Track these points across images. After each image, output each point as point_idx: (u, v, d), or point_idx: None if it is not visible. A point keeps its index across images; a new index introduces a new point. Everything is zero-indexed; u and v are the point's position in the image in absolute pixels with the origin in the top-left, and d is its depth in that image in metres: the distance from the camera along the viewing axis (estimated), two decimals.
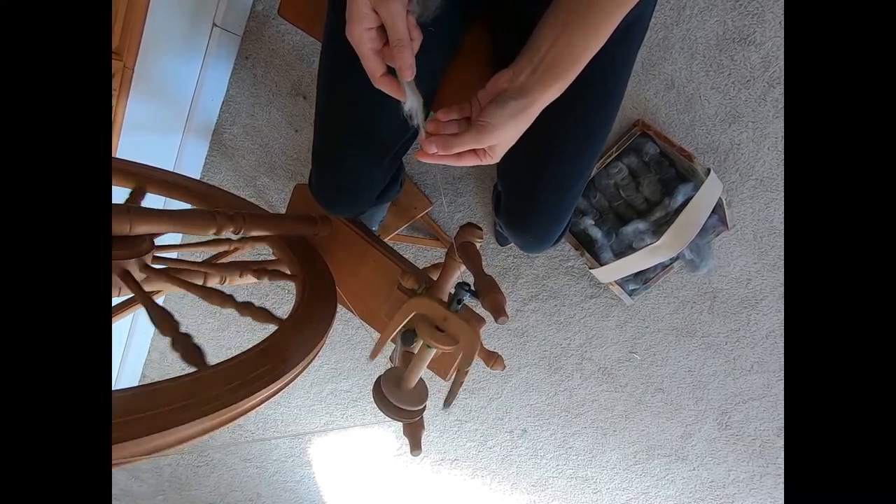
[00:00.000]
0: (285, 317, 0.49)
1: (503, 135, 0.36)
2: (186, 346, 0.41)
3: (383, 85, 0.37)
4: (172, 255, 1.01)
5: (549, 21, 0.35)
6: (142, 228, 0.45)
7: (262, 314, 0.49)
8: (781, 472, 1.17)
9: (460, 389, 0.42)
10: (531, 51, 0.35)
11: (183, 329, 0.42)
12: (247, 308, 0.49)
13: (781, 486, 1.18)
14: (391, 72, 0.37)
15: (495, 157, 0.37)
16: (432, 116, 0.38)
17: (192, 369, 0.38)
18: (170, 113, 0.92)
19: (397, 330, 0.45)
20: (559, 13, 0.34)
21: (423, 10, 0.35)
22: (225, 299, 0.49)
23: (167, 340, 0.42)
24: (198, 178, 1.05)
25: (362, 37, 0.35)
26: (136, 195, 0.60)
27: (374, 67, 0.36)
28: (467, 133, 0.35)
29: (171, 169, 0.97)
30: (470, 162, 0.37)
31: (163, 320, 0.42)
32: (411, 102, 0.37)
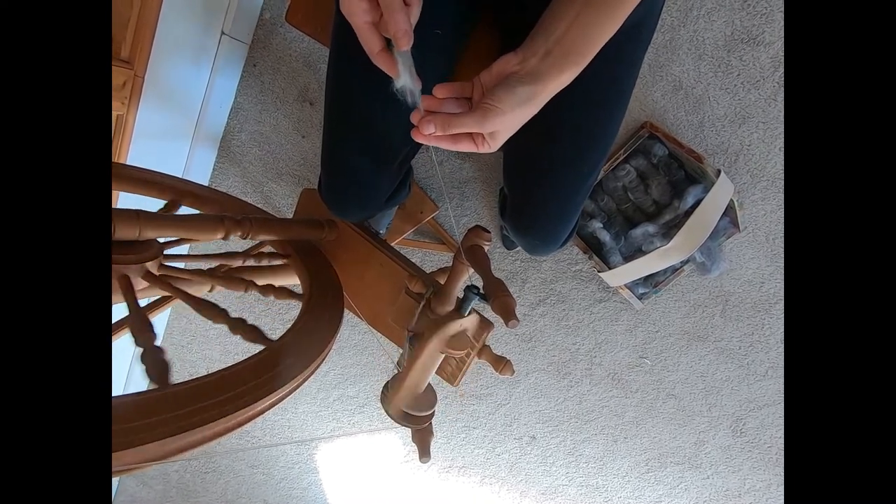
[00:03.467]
0: (292, 317, 0.49)
1: (508, 121, 0.33)
2: (244, 328, 0.42)
3: (381, 62, 0.34)
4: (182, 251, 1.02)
5: (565, 1, 0.32)
6: (150, 233, 0.45)
7: (284, 292, 0.49)
8: None
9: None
10: (545, 32, 0.32)
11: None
12: (269, 289, 0.50)
13: None
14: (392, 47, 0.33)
15: (494, 146, 0.34)
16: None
17: (193, 375, 0.38)
18: (179, 120, 0.93)
19: (434, 369, 0.44)
20: None
21: None
22: (248, 284, 0.49)
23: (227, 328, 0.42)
24: (206, 185, 1.06)
25: (355, 9, 0.31)
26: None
27: (369, 42, 0.33)
28: (470, 115, 0.32)
29: (179, 175, 0.98)
30: (466, 147, 0.34)
31: (211, 312, 0.43)
32: (405, 79, 0.33)
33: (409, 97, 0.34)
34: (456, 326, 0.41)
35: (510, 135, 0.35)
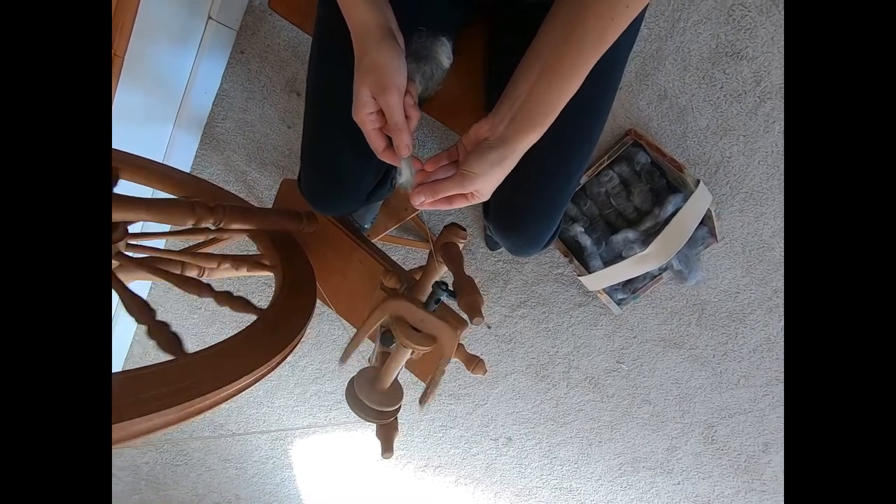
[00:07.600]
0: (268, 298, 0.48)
1: (486, 181, 0.37)
2: (163, 334, 0.40)
3: (386, 157, 0.41)
4: (149, 243, 0.99)
5: (526, 69, 0.36)
6: (117, 216, 0.44)
7: (240, 303, 0.48)
8: (766, 488, 1.16)
9: (437, 389, 0.41)
10: (509, 99, 0.36)
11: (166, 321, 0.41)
12: (225, 297, 0.48)
13: (766, 502, 1.17)
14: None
15: (484, 197, 0.39)
16: (421, 166, 0.40)
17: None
18: (161, 104, 0.91)
19: (370, 332, 0.44)
20: (535, 60, 0.35)
21: (426, 87, 0.39)
22: (202, 288, 0.47)
23: (145, 330, 0.41)
24: (187, 171, 1.04)
25: (365, 119, 0.39)
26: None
27: (376, 143, 0.40)
28: (451, 181, 0.37)
29: (160, 160, 0.96)
30: (461, 204, 0.39)
31: (137, 308, 0.41)
32: (405, 175, 0.40)
33: (406, 188, 0.41)
34: (414, 312, 0.41)
35: (495, 187, 0.39)
